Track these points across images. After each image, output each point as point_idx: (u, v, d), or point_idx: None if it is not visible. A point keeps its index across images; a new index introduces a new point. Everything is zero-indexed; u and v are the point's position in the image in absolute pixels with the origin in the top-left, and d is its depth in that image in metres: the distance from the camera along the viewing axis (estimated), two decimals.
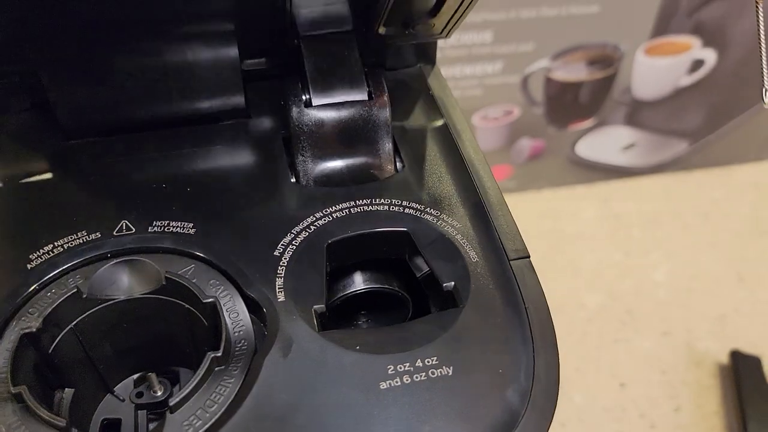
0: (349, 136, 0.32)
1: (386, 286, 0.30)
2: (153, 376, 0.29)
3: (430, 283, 0.29)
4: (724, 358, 0.70)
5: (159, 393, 0.30)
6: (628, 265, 0.78)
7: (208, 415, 0.24)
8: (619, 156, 0.82)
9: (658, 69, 0.74)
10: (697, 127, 0.81)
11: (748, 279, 0.77)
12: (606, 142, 0.80)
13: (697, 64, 0.74)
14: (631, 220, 0.83)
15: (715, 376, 0.69)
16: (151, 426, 0.29)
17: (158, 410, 0.30)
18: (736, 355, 0.68)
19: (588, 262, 0.77)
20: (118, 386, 0.31)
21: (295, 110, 0.31)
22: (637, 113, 0.78)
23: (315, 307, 0.27)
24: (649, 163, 0.84)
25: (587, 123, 0.77)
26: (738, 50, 0.73)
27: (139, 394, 0.30)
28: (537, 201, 0.83)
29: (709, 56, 0.73)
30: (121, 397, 0.30)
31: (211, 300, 0.27)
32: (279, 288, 0.27)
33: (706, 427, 0.65)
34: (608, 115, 0.77)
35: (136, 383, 0.31)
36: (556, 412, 0.25)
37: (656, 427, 0.65)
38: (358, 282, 0.31)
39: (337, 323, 0.29)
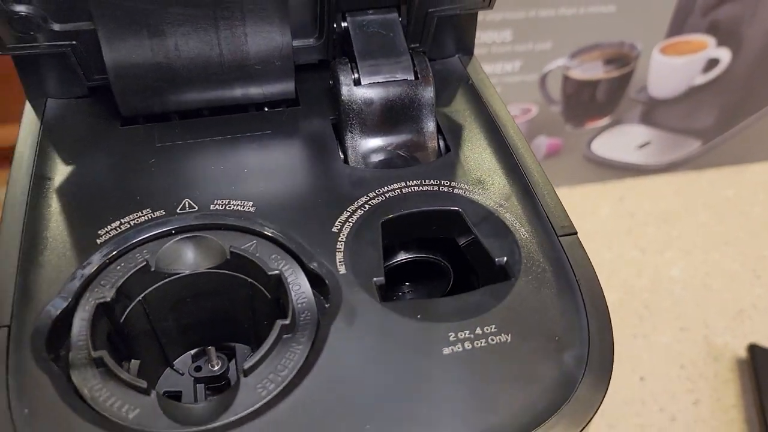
0: (395, 114, 0.33)
1: (433, 256, 0.32)
2: (212, 350, 0.31)
3: (481, 259, 0.30)
4: (742, 352, 0.71)
5: (216, 368, 0.31)
6: (644, 262, 0.79)
7: (279, 378, 0.25)
8: (634, 154, 0.83)
9: (673, 68, 0.75)
10: (710, 126, 0.82)
11: (764, 276, 0.78)
12: (621, 140, 0.81)
13: (712, 63, 0.75)
14: (645, 218, 0.84)
15: (734, 370, 0.70)
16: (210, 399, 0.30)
17: (216, 384, 0.31)
18: (754, 349, 0.69)
19: (604, 259, 0.78)
20: (177, 360, 0.32)
21: (345, 89, 0.33)
22: (653, 112, 0.79)
23: (375, 279, 0.28)
24: (663, 161, 0.85)
25: (603, 121, 0.79)
26: (752, 50, 0.75)
27: (198, 368, 0.31)
28: None
29: (724, 55, 0.75)
30: (181, 371, 0.32)
31: (276, 272, 0.28)
32: (339, 261, 0.28)
33: (725, 420, 0.66)
34: (624, 113, 0.79)
35: (194, 358, 0.32)
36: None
37: (676, 419, 0.66)
38: (405, 253, 0.32)
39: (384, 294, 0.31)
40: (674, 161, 0.85)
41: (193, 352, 0.32)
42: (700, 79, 0.77)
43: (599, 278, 0.27)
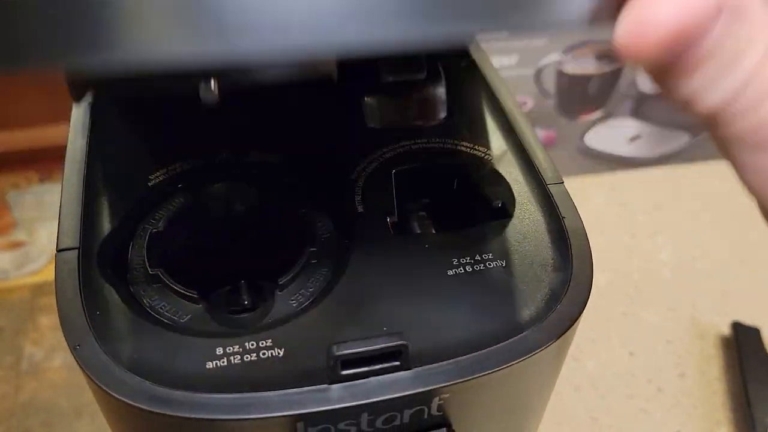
0: (412, 84, 0.38)
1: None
2: (244, 284, 0.35)
3: (482, 203, 0.34)
4: (726, 331, 0.75)
5: (247, 301, 0.35)
6: (635, 247, 0.84)
7: (309, 293, 0.29)
8: (626, 147, 0.88)
9: None
10: (698, 120, 0.87)
11: (749, 260, 0.82)
12: (613, 133, 0.86)
13: None
14: (636, 207, 0.88)
15: (718, 347, 0.74)
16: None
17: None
18: (737, 326, 0.74)
19: (597, 243, 0.82)
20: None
21: None
22: (642, 106, 0.84)
23: (389, 217, 0.32)
24: (653, 154, 0.90)
25: (596, 114, 0.83)
26: None
27: (230, 303, 0.36)
28: None
29: None
30: (215, 305, 0.36)
31: (304, 210, 0.32)
32: (358, 202, 0.33)
33: (709, 391, 0.71)
34: (615, 107, 0.83)
35: (228, 295, 0.36)
36: (585, 309, 0.31)
37: (663, 390, 0.70)
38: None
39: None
40: (664, 154, 0.90)
41: (226, 289, 0.36)
42: None
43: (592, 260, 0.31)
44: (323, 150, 0.35)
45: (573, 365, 0.74)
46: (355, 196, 0.33)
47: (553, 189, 0.34)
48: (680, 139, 0.89)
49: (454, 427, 0.28)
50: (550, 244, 0.31)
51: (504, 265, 0.30)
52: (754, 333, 0.73)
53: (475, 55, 0.43)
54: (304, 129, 0.37)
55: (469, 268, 0.30)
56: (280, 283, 0.29)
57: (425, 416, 0.27)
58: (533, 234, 0.32)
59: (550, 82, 0.79)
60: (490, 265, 0.30)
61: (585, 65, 0.78)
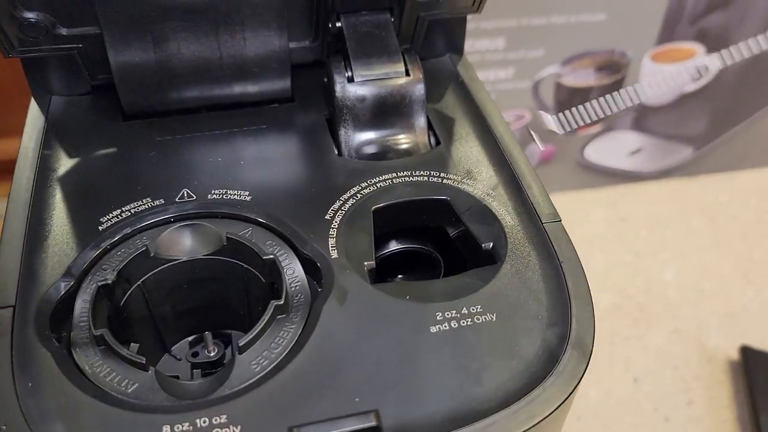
0: (387, 110, 0.34)
1: (423, 246, 0.33)
2: (209, 335, 0.32)
3: (468, 245, 0.31)
4: (735, 354, 0.72)
5: (213, 353, 0.32)
6: (638, 266, 0.80)
7: (273, 355, 0.26)
8: (627, 161, 0.85)
9: (664, 75, 0.76)
10: (701, 132, 0.83)
11: (755, 279, 0.79)
12: (614, 147, 0.82)
13: (702, 70, 0.77)
14: (638, 223, 0.85)
15: (726, 372, 0.71)
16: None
17: (213, 370, 0.32)
18: (746, 351, 0.70)
19: (598, 262, 0.79)
20: (174, 346, 0.33)
21: (339, 85, 0.34)
22: (644, 119, 0.80)
23: (366, 263, 0.29)
24: (655, 168, 0.86)
25: (596, 128, 0.80)
26: (740, 57, 0.76)
27: (195, 354, 0.32)
28: None
29: (714, 62, 0.76)
30: (178, 357, 0.33)
31: (270, 257, 0.29)
32: (332, 247, 0.29)
33: (718, 420, 0.67)
34: (616, 120, 0.80)
35: (191, 344, 0.33)
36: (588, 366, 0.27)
37: (670, 420, 0.67)
38: (396, 244, 0.33)
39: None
40: (666, 168, 0.86)
41: (190, 338, 0.33)
42: (691, 87, 0.78)
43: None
44: (293, 187, 0.32)
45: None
46: (329, 239, 0.30)
47: (549, 228, 0.30)
48: (683, 152, 0.85)
49: None
50: (546, 294, 0.28)
51: (494, 319, 0.27)
52: (764, 357, 0.70)
53: (464, 74, 0.40)
54: (270, 163, 0.33)
55: (455, 324, 0.27)
56: (240, 344, 0.26)
57: None
58: (527, 281, 0.28)
59: (548, 95, 0.76)
60: (478, 319, 0.27)
61: (585, 77, 0.75)
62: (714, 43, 0.75)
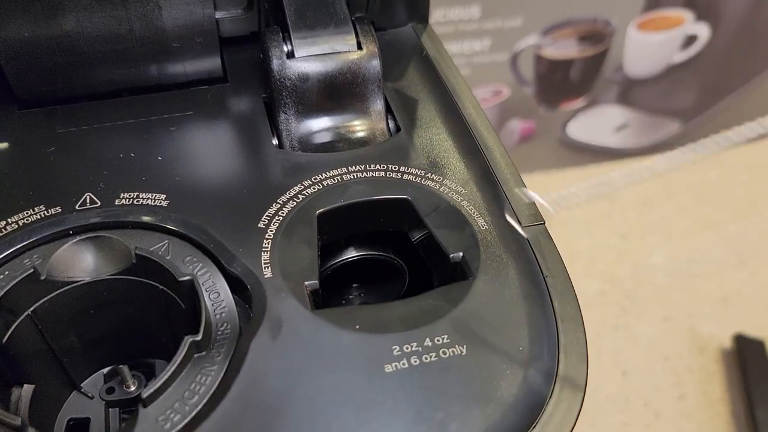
0: (336, 91, 0.29)
1: (381, 254, 0.27)
2: (125, 369, 0.26)
3: (434, 255, 0.25)
4: (728, 343, 0.68)
5: (132, 388, 0.27)
6: (625, 249, 0.76)
7: (187, 408, 0.21)
8: (612, 137, 0.80)
9: (651, 45, 0.71)
10: (690, 106, 0.79)
11: (749, 261, 0.75)
12: (598, 122, 0.77)
13: (690, 39, 0.72)
14: (625, 204, 0.80)
15: (719, 362, 0.67)
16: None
17: (131, 407, 0.26)
18: (740, 339, 0.66)
19: (584, 246, 0.75)
20: (86, 382, 0.27)
21: (276, 62, 0.28)
22: (630, 92, 0.75)
23: (307, 283, 0.23)
24: (641, 144, 0.81)
25: (578, 102, 0.75)
26: (731, 24, 0.71)
27: (110, 390, 0.27)
28: (528, 185, 0.80)
29: (702, 31, 0.71)
30: (90, 394, 0.27)
31: (187, 278, 0.23)
32: (265, 263, 0.24)
33: (711, 414, 0.63)
34: (600, 94, 0.75)
35: (107, 378, 0.28)
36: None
37: (661, 415, 0.63)
38: (350, 250, 0.28)
39: (328, 299, 0.26)
40: (653, 144, 0.81)
41: (105, 371, 0.28)
42: (679, 57, 0.73)
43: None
44: (220, 188, 0.26)
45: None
46: (262, 253, 0.24)
47: (530, 233, 0.25)
48: (669, 127, 0.80)
49: None
50: (527, 318, 0.23)
51: (464, 352, 0.22)
52: (758, 347, 0.66)
53: (429, 47, 0.34)
54: (194, 158, 0.28)
55: (415, 360, 0.21)
56: (144, 396, 0.20)
57: None
58: (505, 303, 0.23)
59: (527, 68, 0.70)
60: (445, 353, 0.22)
61: (566, 48, 0.69)
62: (703, 9, 0.69)
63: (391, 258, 0.29)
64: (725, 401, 0.64)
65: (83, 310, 0.25)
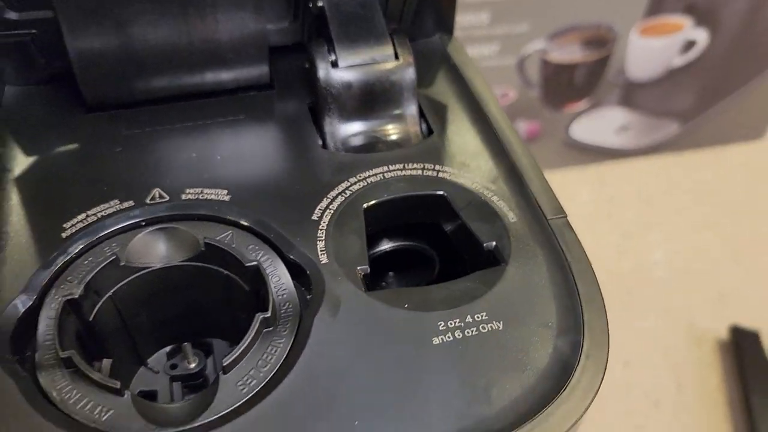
0: (376, 97, 0.32)
1: (415, 244, 0.31)
2: (188, 346, 0.29)
3: (468, 245, 0.29)
4: (725, 335, 0.71)
5: (192, 365, 0.29)
6: (626, 247, 0.79)
7: (261, 374, 0.24)
8: (613, 138, 0.83)
9: (652, 49, 0.74)
10: (688, 108, 0.82)
11: (744, 258, 0.78)
12: (600, 124, 0.81)
13: (690, 44, 0.75)
14: (625, 202, 0.83)
15: (716, 353, 0.70)
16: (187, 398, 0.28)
17: (193, 382, 0.29)
18: (736, 331, 0.69)
19: (585, 243, 0.77)
20: (151, 358, 0.30)
21: (322, 72, 0.31)
22: (631, 95, 0.78)
23: (359, 268, 0.27)
24: (642, 144, 0.85)
25: (582, 105, 0.78)
26: (728, 30, 0.74)
27: (173, 366, 0.30)
28: None
29: (701, 36, 0.74)
30: (155, 370, 0.30)
31: (253, 263, 0.26)
32: (321, 251, 0.27)
33: (709, 403, 0.66)
34: (602, 96, 0.78)
35: (169, 355, 0.31)
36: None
37: (660, 404, 0.66)
38: (387, 241, 0.31)
39: (370, 286, 0.29)
40: (653, 144, 0.85)
41: (168, 349, 0.31)
42: (678, 61, 0.76)
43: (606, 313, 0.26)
44: (275, 184, 0.29)
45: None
46: (317, 242, 0.27)
47: (554, 225, 0.28)
48: (669, 128, 0.84)
49: None
50: (555, 299, 0.26)
51: (501, 327, 0.25)
52: (753, 338, 0.69)
53: (455, 57, 0.37)
54: (250, 157, 0.31)
55: (458, 334, 0.24)
56: (225, 364, 0.23)
57: None
58: (534, 285, 0.26)
59: (533, 72, 0.73)
60: (484, 328, 0.25)
61: (571, 53, 0.72)
62: (702, 15, 0.73)
63: (424, 248, 0.32)
64: (722, 390, 0.67)
65: (154, 293, 0.28)
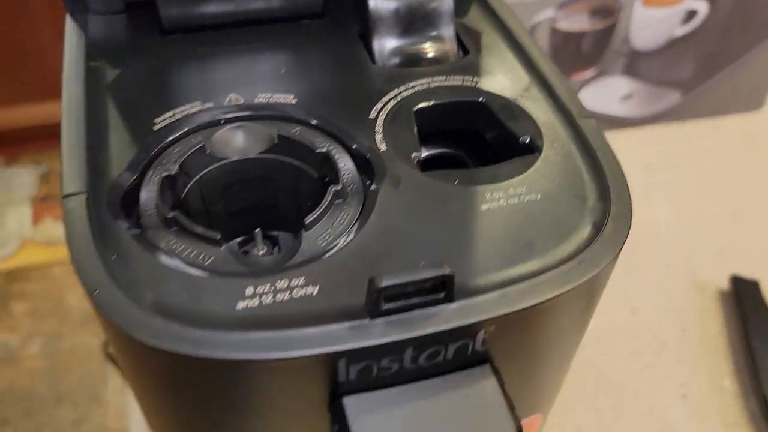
0: (418, 21, 0.36)
1: (457, 152, 0.35)
2: (258, 233, 0.33)
3: (504, 145, 0.33)
4: (725, 286, 0.75)
5: (261, 252, 0.33)
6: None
7: (337, 231, 0.28)
8: (618, 106, 0.87)
9: (654, 19, 0.79)
10: (689, 78, 0.86)
11: (742, 218, 0.82)
12: (605, 92, 0.85)
13: (691, 14, 0.79)
14: (629, 168, 0.87)
15: (718, 302, 0.74)
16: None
17: None
18: (736, 280, 0.73)
19: None
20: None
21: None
22: (635, 64, 0.83)
23: (413, 154, 0.31)
24: (645, 114, 0.89)
25: (589, 73, 0.82)
26: (728, 1, 0.79)
27: (245, 253, 0.34)
28: None
29: (702, 6, 0.78)
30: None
31: (323, 150, 0.30)
32: (380, 141, 0.31)
33: (711, 344, 0.70)
34: (608, 65, 0.82)
35: (240, 245, 0.35)
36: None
37: (666, 345, 0.70)
38: (430, 149, 0.35)
39: None
40: (656, 113, 0.89)
41: (239, 239, 0.35)
42: (680, 31, 0.81)
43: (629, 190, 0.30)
44: (335, 91, 0.34)
45: None
46: (376, 135, 0.31)
47: (583, 123, 0.32)
48: (671, 97, 0.88)
49: (496, 364, 0.26)
50: (584, 177, 0.30)
51: (539, 198, 0.29)
52: (753, 286, 0.73)
53: None
54: (310, 71, 0.35)
55: (503, 202, 0.29)
56: (306, 222, 0.27)
57: (469, 352, 0.25)
58: (566, 167, 0.30)
59: (543, 40, 0.77)
60: (524, 198, 0.29)
61: (579, 22, 0.77)
62: None
63: (462, 156, 0.36)
64: (723, 335, 0.71)
65: (231, 184, 0.32)
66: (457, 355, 0.25)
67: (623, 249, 0.80)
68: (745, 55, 0.83)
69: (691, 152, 0.90)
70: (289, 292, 0.25)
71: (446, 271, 0.23)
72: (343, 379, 0.25)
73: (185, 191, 0.30)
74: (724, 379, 0.68)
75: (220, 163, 0.31)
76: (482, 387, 0.26)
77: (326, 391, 0.25)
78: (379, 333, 0.24)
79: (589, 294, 0.28)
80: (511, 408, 0.26)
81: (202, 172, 0.31)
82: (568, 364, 0.34)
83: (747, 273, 0.75)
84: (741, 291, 0.73)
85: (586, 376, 0.68)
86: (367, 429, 0.25)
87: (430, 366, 0.25)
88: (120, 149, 0.30)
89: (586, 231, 0.28)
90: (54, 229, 2.31)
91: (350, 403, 0.25)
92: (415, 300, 0.24)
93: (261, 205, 0.34)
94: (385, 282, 0.23)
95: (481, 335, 0.25)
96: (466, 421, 0.25)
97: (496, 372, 0.26)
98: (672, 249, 0.79)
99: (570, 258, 0.26)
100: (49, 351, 2.07)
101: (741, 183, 0.87)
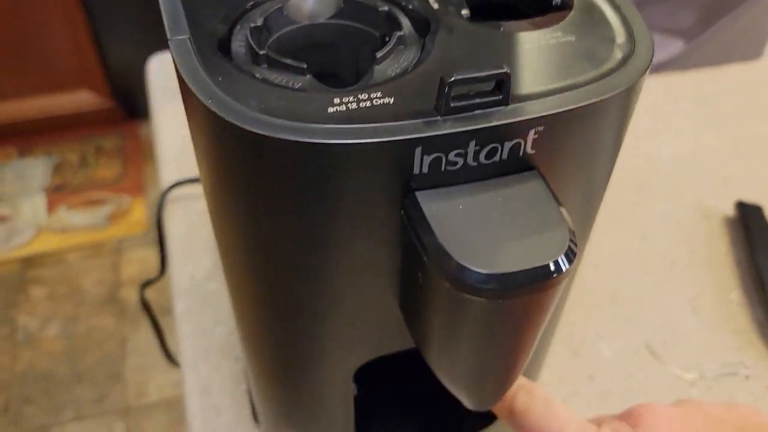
0: None
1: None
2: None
3: (538, 8, 0.37)
4: (730, 212, 0.80)
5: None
6: (638, 147, 0.88)
7: (404, 65, 0.32)
8: None
9: None
10: (692, 26, 0.91)
11: (745, 151, 0.87)
12: None
13: None
14: (637, 112, 0.92)
15: (724, 226, 0.79)
16: None
17: None
18: (741, 205, 0.78)
19: None
20: None
21: None
22: (641, 11, 0.88)
23: (463, 11, 0.35)
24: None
25: None
26: None
27: None
28: None
29: None
30: None
31: (386, 7, 0.35)
32: (432, 1, 0.36)
33: (719, 263, 0.75)
34: None
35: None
36: None
37: (676, 264, 0.75)
38: None
39: None
40: (661, 61, 0.94)
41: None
42: None
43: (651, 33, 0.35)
44: None
45: (590, 246, 0.78)
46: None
47: None
48: (675, 46, 0.93)
49: (542, 171, 0.31)
50: (612, 24, 0.35)
51: (574, 39, 0.34)
52: (757, 210, 0.78)
53: None
54: None
55: (543, 42, 0.33)
56: (378, 56, 0.32)
57: (521, 152, 0.30)
58: (595, 18, 0.35)
59: None
60: (560, 40, 0.34)
61: None
62: None
63: None
64: (729, 254, 0.76)
65: (301, 48, 0.37)
66: (511, 155, 0.30)
67: (630, 184, 0.85)
68: (745, 2, 0.88)
69: (695, 97, 0.95)
70: (369, 101, 0.29)
71: (505, 69, 0.28)
72: (417, 171, 0.29)
73: (266, 46, 0.35)
74: (731, 292, 0.72)
75: (295, 27, 0.36)
76: (533, 187, 0.31)
77: (402, 184, 0.30)
78: (448, 125, 0.28)
79: (623, 106, 0.32)
80: (559, 203, 0.31)
81: (280, 32, 0.36)
82: (602, 189, 0.39)
83: (751, 199, 0.80)
84: (746, 215, 0.78)
85: (603, 290, 0.73)
86: (437, 215, 0.30)
87: (489, 165, 0.30)
88: (212, 8, 0.35)
89: (616, 60, 0.32)
90: (68, 217, 2.35)
91: (423, 195, 0.30)
92: (477, 100, 0.29)
93: (326, 68, 0.38)
94: (455, 76, 0.28)
95: (531, 135, 0.30)
96: (525, 215, 0.30)
97: (543, 178, 0.31)
98: (679, 181, 0.84)
99: (606, 75, 0.31)
100: (67, 333, 2.12)
101: (743, 120, 0.92)
